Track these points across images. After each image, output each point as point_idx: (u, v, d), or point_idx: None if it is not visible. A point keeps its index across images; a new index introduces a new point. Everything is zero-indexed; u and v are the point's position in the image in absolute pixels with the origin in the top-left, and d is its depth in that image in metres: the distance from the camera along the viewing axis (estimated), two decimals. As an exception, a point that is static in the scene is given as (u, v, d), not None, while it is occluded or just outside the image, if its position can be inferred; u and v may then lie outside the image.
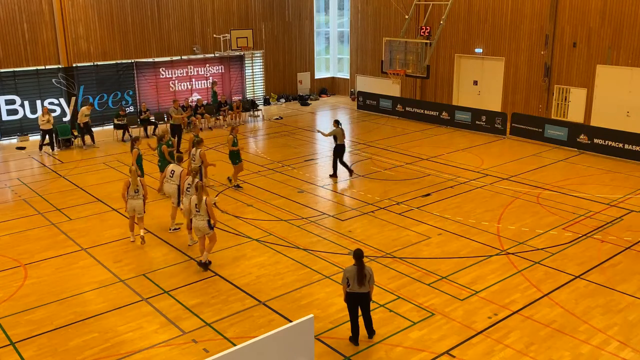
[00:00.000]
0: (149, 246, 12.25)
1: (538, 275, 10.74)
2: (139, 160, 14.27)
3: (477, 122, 22.10)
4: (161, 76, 24.72)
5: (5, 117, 21.52)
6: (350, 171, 16.68)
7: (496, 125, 21.51)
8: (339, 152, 16.42)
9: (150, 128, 22.45)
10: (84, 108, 20.82)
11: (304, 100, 29.36)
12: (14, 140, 21.79)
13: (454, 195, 15.13)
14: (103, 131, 22.64)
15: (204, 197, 10.72)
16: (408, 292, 10.16)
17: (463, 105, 24.03)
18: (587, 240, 12.23)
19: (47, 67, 22.10)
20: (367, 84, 28.66)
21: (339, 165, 16.64)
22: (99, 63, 23.21)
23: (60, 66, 22.26)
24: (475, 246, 12.02)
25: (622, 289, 10.20)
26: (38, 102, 21.82)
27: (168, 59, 24.88)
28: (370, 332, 8.74)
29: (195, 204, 10.78)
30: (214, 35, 26.01)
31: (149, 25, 24.29)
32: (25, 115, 21.77)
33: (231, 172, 15.85)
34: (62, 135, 20.76)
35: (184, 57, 25.30)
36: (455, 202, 14.63)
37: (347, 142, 21.18)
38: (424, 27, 19.50)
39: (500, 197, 14.92)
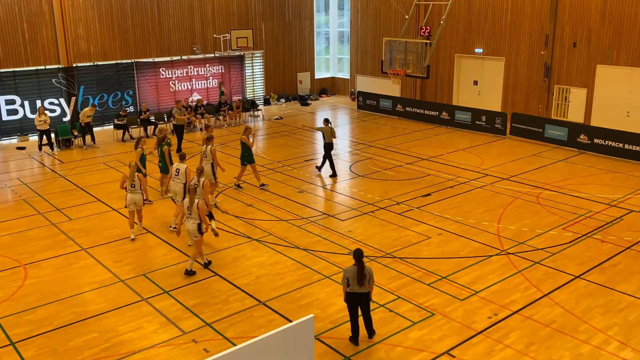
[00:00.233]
0: (149, 246, 12.27)
1: (538, 275, 10.74)
2: (141, 161, 14.31)
3: (477, 122, 22.10)
4: (161, 76, 24.72)
5: (5, 117, 21.52)
6: (321, 166, 16.97)
7: (496, 125, 21.52)
8: (327, 149, 16.67)
9: (150, 128, 22.45)
10: (86, 109, 20.83)
11: (304, 100, 29.37)
12: (14, 140, 21.79)
13: (454, 195, 15.13)
14: (103, 131, 22.63)
15: (196, 200, 10.67)
16: (408, 292, 10.16)
17: (463, 105, 24.02)
18: (587, 240, 12.23)
19: (47, 67, 22.10)
20: (367, 84, 28.66)
21: (325, 163, 16.93)
22: (99, 63, 23.21)
23: (60, 66, 22.26)
24: (475, 246, 12.03)
25: (622, 289, 10.20)
26: (38, 102, 21.81)
27: (168, 59, 24.88)
28: (370, 332, 8.74)
29: (187, 206, 10.72)
30: (214, 35, 26.01)
31: (149, 25, 24.29)
32: (25, 115, 21.76)
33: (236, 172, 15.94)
34: (62, 135, 20.76)
35: (184, 57, 25.30)
36: (455, 202, 14.63)
37: (347, 142, 21.26)
38: (424, 27, 19.50)
39: (500, 197, 14.92)
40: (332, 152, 16.98)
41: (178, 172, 12.88)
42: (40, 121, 19.85)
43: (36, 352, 8.56)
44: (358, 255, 8.40)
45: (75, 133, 21.11)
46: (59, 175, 17.42)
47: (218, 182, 14.70)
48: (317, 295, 10.09)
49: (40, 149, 20.25)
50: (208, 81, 26.03)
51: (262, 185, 15.76)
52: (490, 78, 23.96)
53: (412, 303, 9.78)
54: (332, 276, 10.73)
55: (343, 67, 31.64)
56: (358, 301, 8.47)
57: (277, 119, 25.47)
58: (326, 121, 16.91)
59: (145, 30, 24.24)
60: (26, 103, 21.79)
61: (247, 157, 15.47)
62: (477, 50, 24.06)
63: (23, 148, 20.74)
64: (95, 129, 21.51)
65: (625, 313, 9.42)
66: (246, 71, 27.68)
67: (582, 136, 19.13)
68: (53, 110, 22.19)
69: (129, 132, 21.77)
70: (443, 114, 23.33)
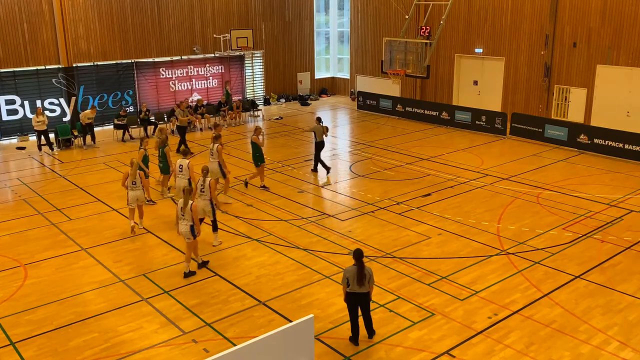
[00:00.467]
0: (149, 246, 12.27)
1: (538, 275, 10.74)
2: (144, 161, 14.32)
3: (477, 122, 22.10)
4: (161, 76, 24.72)
5: (5, 117, 21.52)
6: (328, 168, 16.86)
7: (496, 125, 21.51)
8: (319, 148, 16.81)
9: (150, 128, 22.44)
10: (87, 111, 20.85)
11: (304, 100, 29.37)
12: (14, 140, 21.79)
13: (454, 195, 15.13)
14: (103, 131, 22.62)
15: (190, 202, 10.65)
16: (408, 292, 10.16)
17: (463, 105, 24.02)
18: (587, 240, 12.23)
19: (47, 67, 22.10)
20: (367, 84, 28.66)
21: (319, 163, 17.01)
22: (99, 63, 23.21)
23: (60, 66, 22.26)
24: (475, 246, 12.02)
25: (622, 289, 10.20)
26: (38, 102, 21.82)
27: (168, 59, 24.88)
28: (370, 332, 8.74)
29: (181, 208, 10.67)
30: (214, 35, 26.01)
31: (149, 25, 24.29)
32: (25, 115, 21.75)
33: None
34: (62, 135, 20.76)
35: (184, 57, 25.30)
36: (455, 202, 14.63)
37: (347, 142, 21.27)
38: (424, 27, 19.50)
39: (500, 197, 14.92)
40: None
41: (182, 168, 13.13)
42: (38, 122, 19.86)
43: (36, 352, 8.56)
44: (358, 255, 8.40)
45: (76, 133, 21.11)
46: (59, 175, 17.42)
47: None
48: (317, 295, 10.09)
49: (39, 149, 20.25)
50: (208, 81, 26.04)
51: (263, 186, 15.76)
52: (490, 78, 23.96)
53: (412, 303, 9.78)
54: (332, 276, 10.73)
55: (343, 67, 31.64)
56: (358, 301, 8.47)
57: (277, 119, 25.47)
58: (318, 120, 17.06)
59: (145, 30, 24.24)
60: (26, 103, 21.78)
61: (258, 157, 15.45)
62: (477, 50, 24.06)
63: (23, 148, 20.74)
64: (95, 129, 21.49)
65: (625, 313, 9.42)
66: (246, 71, 27.68)
67: (582, 136, 19.13)
68: (53, 110, 22.19)
69: (129, 132, 21.77)
70: (443, 114, 23.33)
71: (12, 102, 21.55)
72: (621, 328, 8.98)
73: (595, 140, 18.76)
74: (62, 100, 22.48)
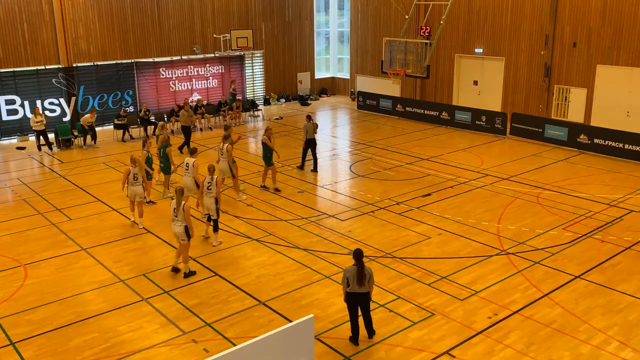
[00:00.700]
0: (149, 246, 12.27)
1: (538, 275, 10.74)
2: (147, 163, 14.31)
3: (477, 122, 22.10)
4: (161, 76, 24.71)
5: (5, 117, 21.51)
6: (315, 166, 17.20)
7: (496, 125, 21.51)
8: (309, 145, 17.06)
9: (150, 128, 22.43)
10: (87, 116, 20.86)
11: (304, 100, 29.36)
12: (14, 140, 21.79)
13: (454, 195, 15.12)
14: (103, 131, 22.60)
15: (182, 203, 10.61)
16: (408, 292, 10.16)
17: (463, 105, 24.02)
18: (587, 240, 12.23)
19: (47, 67, 22.10)
20: (367, 84, 28.65)
21: (317, 161, 17.30)
22: (99, 63, 23.21)
23: (60, 66, 22.26)
24: (475, 246, 12.02)
25: (622, 289, 10.20)
26: (38, 102, 21.82)
27: (168, 59, 24.87)
28: (370, 332, 8.74)
29: (174, 208, 10.65)
30: (214, 35, 26.00)
31: (149, 25, 24.29)
32: (25, 115, 21.74)
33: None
34: (62, 135, 20.75)
35: (184, 57, 25.29)
36: (455, 202, 14.63)
37: (347, 142, 21.26)
38: (424, 27, 19.50)
39: (500, 197, 14.92)
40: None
41: (188, 166, 13.28)
42: (36, 122, 19.86)
43: (36, 352, 8.56)
44: (358, 255, 8.40)
45: (76, 133, 21.10)
46: (59, 175, 17.42)
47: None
48: (317, 295, 10.09)
49: (39, 149, 20.25)
50: (208, 81, 26.03)
51: (264, 186, 15.74)
52: (490, 78, 23.96)
53: (412, 303, 9.78)
54: (332, 276, 10.73)
55: (343, 67, 31.63)
56: (358, 301, 8.47)
57: (277, 119, 25.46)
58: (308, 117, 17.26)
59: (145, 30, 24.23)
60: (26, 103, 21.77)
61: (268, 157, 15.44)
62: (477, 50, 24.06)
63: (23, 148, 20.73)
64: (96, 129, 21.49)
65: (625, 313, 9.42)
66: (246, 71, 27.68)
67: (582, 136, 19.13)
68: (53, 111, 22.19)
69: (129, 132, 21.76)
70: (443, 114, 23.32)
71: (12, 102, 21.55)
72: (621, 328, 8.98)
73: (595, 140, 18.76)
74: (62, 100, 22.47)
